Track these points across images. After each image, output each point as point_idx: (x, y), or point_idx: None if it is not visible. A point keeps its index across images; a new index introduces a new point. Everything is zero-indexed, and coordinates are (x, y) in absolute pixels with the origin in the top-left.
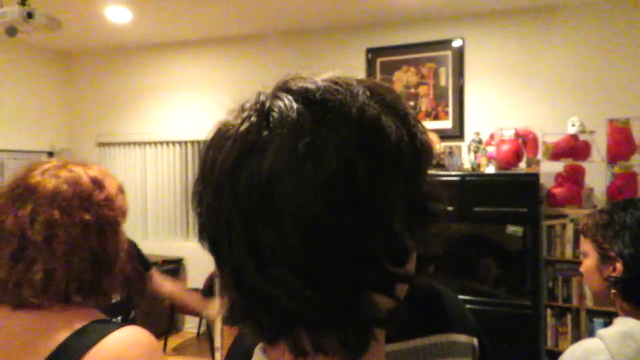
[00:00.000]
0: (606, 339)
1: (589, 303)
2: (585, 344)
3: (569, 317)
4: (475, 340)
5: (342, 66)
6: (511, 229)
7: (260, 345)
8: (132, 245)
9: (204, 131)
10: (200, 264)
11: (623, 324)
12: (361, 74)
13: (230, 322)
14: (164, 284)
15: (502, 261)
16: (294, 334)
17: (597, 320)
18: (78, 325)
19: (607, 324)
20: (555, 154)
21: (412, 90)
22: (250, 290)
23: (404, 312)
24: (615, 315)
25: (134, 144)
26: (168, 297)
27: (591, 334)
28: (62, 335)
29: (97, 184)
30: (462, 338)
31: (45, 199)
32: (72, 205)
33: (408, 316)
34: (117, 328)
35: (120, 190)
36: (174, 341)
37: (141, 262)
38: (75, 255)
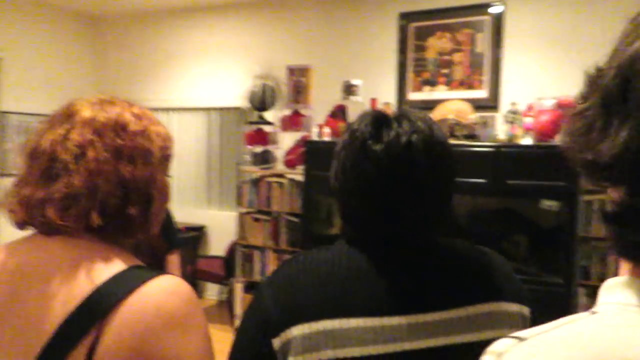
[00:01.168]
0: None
1: None
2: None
3: None
4: (526, 310)
5: (373, 32)
6: (546, 203)
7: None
8: (167, 214)
9: (230, 98)
10: (221, 232)
11: (621, 294)
12: (393, 41)
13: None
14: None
15: (535, 237)
16: None
17: None
18: (116, 269)
19: None
20: None
21: (447, 57)
22: None
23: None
24: None
25: (160, 109)
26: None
27: None
28: (100, 277)
29: (137, 117)
30: (513, 307)
31: (81, 122)
32: (107, 128)
33: (458, 282)
34: (156, 276)
35: (164, 135)
36: None
37: (168, 238)
38: (101, 177)
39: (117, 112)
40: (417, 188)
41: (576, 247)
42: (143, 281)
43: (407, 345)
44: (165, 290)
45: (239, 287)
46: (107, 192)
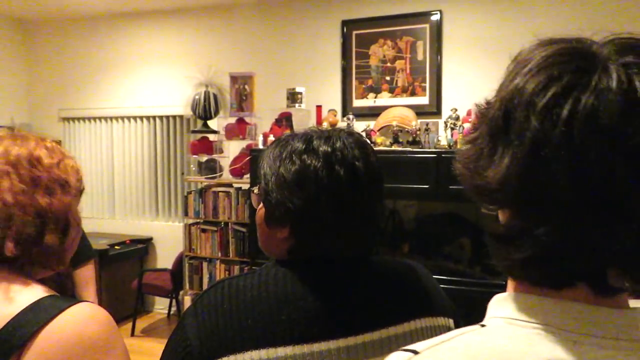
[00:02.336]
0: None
1: None
2: None
3: None
4: (451, 322)
5: (317, 39)
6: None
7: (512, 292)
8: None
9: (172, 106)
10: (169, 243)
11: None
12: (336, 48)
13: (520, 271)
14: (85, 289)
15: (478, 240)
16: (601, 273)
17: None
18: (31, 298)
19: None
20: None
21: (389, 64)
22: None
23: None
24: None
25: (100, 119)
26: None
27: None
28: (15, 307)
29: (50, 151)
30: (440, 321)
31: None
32: (21, 161)
33: (389, 300)
34: (73, 304)
35: (77, 169)
36: (143, 322)
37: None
38: (17, 207)
39: (31, 146)
40: (353, 204)
41: None
42: (60, 310)
43: None
44: (83, 317)
45: (188, 300)
46: (23, 222)
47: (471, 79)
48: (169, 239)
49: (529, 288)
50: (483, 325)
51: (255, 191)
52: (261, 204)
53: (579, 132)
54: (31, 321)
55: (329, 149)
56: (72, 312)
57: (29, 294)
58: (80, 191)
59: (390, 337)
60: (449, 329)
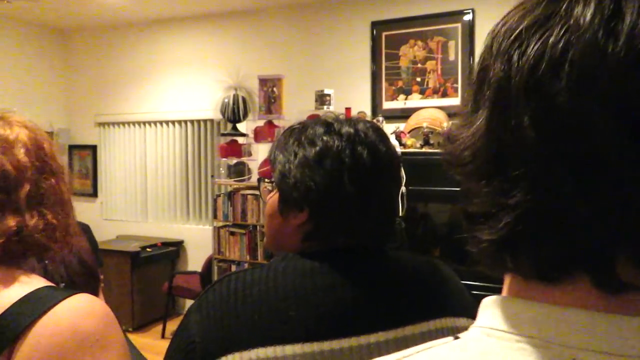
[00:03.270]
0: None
1: None
2: None
3: None
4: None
5: (346, 41)
6: None
7: (507, 293)
8: (87, 231)
9: (202, 110)
10: (199, 246)
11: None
12: (366, 50)
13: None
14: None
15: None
16: (603, 259)
17: None
18: (24, 290)
19: None
20: None
21: (420, 65)
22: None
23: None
24: None
25: (133, 123)
26: None
27: None
28: (7, 300)
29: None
30: (462, 322)
31: None
32: None
33: (407, 297)
34: (69, 295)
35: (32, 143)
36: (173, 324)
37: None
38: None
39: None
40: (374, 187)
41: None
42: (55, 302)
43: None
44: (79, 310)
45: None
46: None
47: None
48: (199, 241)
49: (519, 288)
50: (457, 337)
51: (266, 180)
52: (272, 193)
53: (544, 73)
54: (25, 313)
55: (352, 130)
56: (69, 304)
57: (23, 285)
58: (42, 167)
59: (406, 337)
60: None
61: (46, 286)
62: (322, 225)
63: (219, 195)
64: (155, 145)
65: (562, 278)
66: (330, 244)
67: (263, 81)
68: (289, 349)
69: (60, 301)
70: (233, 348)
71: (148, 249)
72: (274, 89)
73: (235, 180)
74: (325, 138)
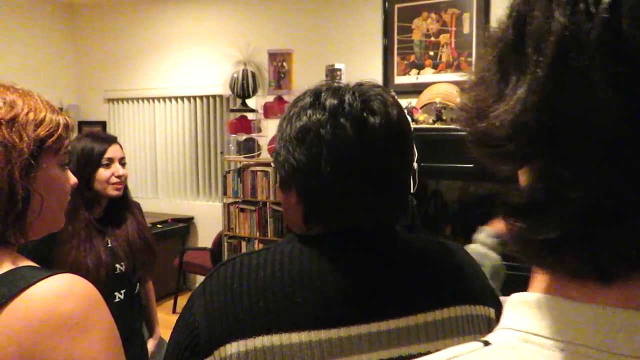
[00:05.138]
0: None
1: None
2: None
3: None
4: (492, 312)
5: (357, 14)
6: None
7: (546, 289)
8: (140, 209)
9: (212, 86)
10: (209, 222)
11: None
12: (377, 23)
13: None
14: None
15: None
16: None
17: None
18: (3, 268)
19: None
20: None
21: (433, 38)
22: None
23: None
24: None
25: (143, 99)
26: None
27: None
28: None
29: (9, 103)
30: (478, 310)
31: None
32: None
33: (421, 283)
34: (48, 275)
35: (44, 122)
36: (184, 300)
37: None
38: None
39: None
40: (400, 174)
41: None
42: (30, 283)
43: (360, 359)
44: (56, 291)
45: None
46: None
47: None
48: (209, 218)
49: (560, 284)
50: (487, 343)
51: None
52: None
53: (630, 21)
54: None
55: (336, 102)
56: (45, 285)
57: (4, 264)
58: (55, 150)
59: (419, 326)
60: (488, 320)
61: (27, 266)
62: (311, 205)
63: (228, 172)
64: (165, 122)
65: (619, 277)
66: (337, 225)
67: (273, 56)
68: (296, 337)
69: (35, 282)
70: (238, 335)
71: (159, 225)
72: (284, 63)
73: (244, 157)
74: (309, 112)
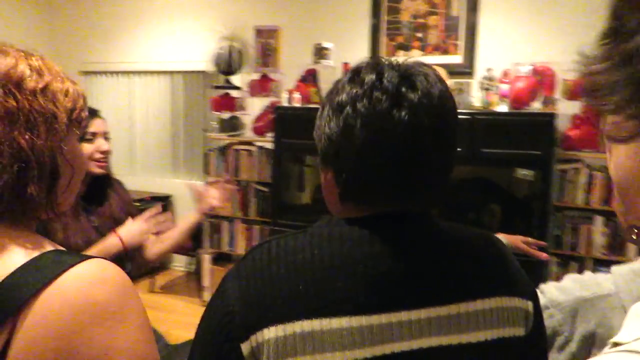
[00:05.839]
0: (615, 274)
1: (596, 252)
2: (597, 274)
3: (574, 266)
4: (530, 305)
5: None
6: (521, 172)
7: None
8: (122, 186)
9: (194, 61)
10: (188, 201)
11: (637, 262)
12: (366, 2)
13: None
14: (151, 247)
15: (509, 206)
16: None
17: (603, 269)
18: (28, 256)
19: None
20: (576, 93)
21: (421, 20)
22: None
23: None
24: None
25: (121, 73)
26: (160, 257)
27: None
28: (6, 267)
29: (36, 71)
30: (516, 302)
31: None
32: None
33: (461, 272)
34: (80, 260)
35: (73, 94)
36: (162, 279)
37: None
38: None
39: (9, 65)
40: (439, 156)
41: (550, 216)
42: (62, 269)
43: (401, 346)
44: (91, 277)
45: (206, 259)
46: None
47: (509, 38)
48: (189, 196)
49: None
50: None
51: None
52: None
53: None
54: (29, 281)
55: (374, 77)
56: (79, 270)
57: (28, 248)
58: (78, 121)
59: (460, 315)
60: (525, 313)
61: (54, 250)
62: (345, 180)
63: (211, 150)
64: (144, 97)
65: None
66: (372, 206)
67: (259, 32)
68: (336, 322)
69: (68, 268)
70: (275, 320)
71: (136, 203)
72: (271, 40)
73: (228, 135)
74: (347, 87)
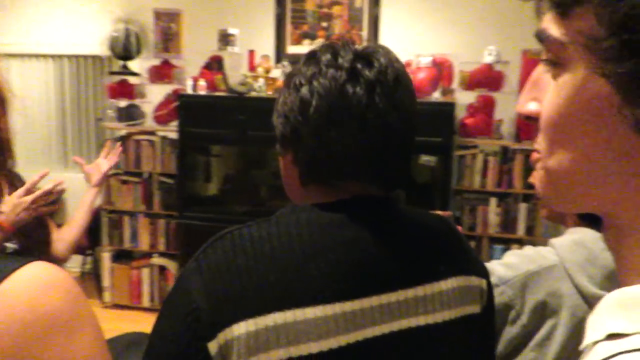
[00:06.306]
0: (556, 246)
1: (491, 230)
2: (537, 247)
3: (472, 245)
4: (484, 283)
5: None
6: (424, 158)
7: None
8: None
9: (87, 45)
10: (80, 196)
11: (574, 233)
12: None
13: None
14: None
15: (413, 191)
16: None
17: (497, 247)
18: None
19: (506, 249)
20: (471, 83)
21: (326, 10)
22: None
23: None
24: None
25: None
26: (71, 250)
27: (492, 259)
28: None
29: None
30: (474, 280)
31: None
32: None
33: (426, 254)
34: (23, 264)
35: None
36: None
37: None
38: None
39: None
40: (396, 134)
41: (450, 199)
42: (4, 274)
43: (374, 331)
44: (37, 284)
45: (106, 257)
46: None
47: (411, 30)
48: (82, 192)
49: None
50: None
51: None
52: None
53: None
54: None
55: (330, 56)
56: (22, 276)
57: None
58: None
59: (427, 296)
60: (481, 290)
61: None
62: (304, 160)
63: (108, 141)
64: (26, 83)
65: None
66: (336, 191)
67: (159, 15)
68: (310, 312)
69: (11, 272)
70: (246, 314)
71: None
72: (172, 24)
73: (127, 125)
74: (303, 68)
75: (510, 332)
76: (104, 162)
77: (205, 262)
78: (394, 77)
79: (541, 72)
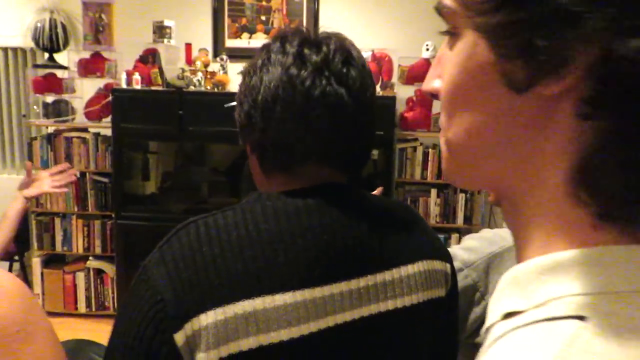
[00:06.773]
0: None
1: (432, 220)
2: (495, 229)
3: None
4: (448, 267)
5: None
6: None
7: None
8: None
9: (5, 36)
10: (7, 199)
11: None
12: None
13: None
14: None
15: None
16: None
17: (439, 236)
18: None
19: (447, 238)
20: (410, 77)
21: (264, 3)
22: None
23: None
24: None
25: None
26: None
27: None
28: None
29: None
30: (437, 264)
31: None
32: None
33: (393, 239)
34: None
35: None
36: None
37: None
38: None
39: None
40: (352, 116)
41: (393, 191)
42: None
43: (344, 317)
44: None
45: (36, 262)
46: None
47: (350, 25)
48: (7, 193)
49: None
50: (581, 317)
51: None
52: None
53: None
54: None
55: (278, 44)
56: None
57: None
58: None
59: (394, 280)
60: (445, 274)
61: None
62: (260, 146)
63: (34, 139)
64: None
65: None
66: (298, 178)
67: (87, 5)
68: (280, 299)
69: None
70: (214, 302)
71: None
72: (102, 15)
73: (55, 121)
74: (254, 60)
75: (475, 313)
76: (47, 183)
77: (170, 252)
78: (343, 59)
79: (445, 47)
